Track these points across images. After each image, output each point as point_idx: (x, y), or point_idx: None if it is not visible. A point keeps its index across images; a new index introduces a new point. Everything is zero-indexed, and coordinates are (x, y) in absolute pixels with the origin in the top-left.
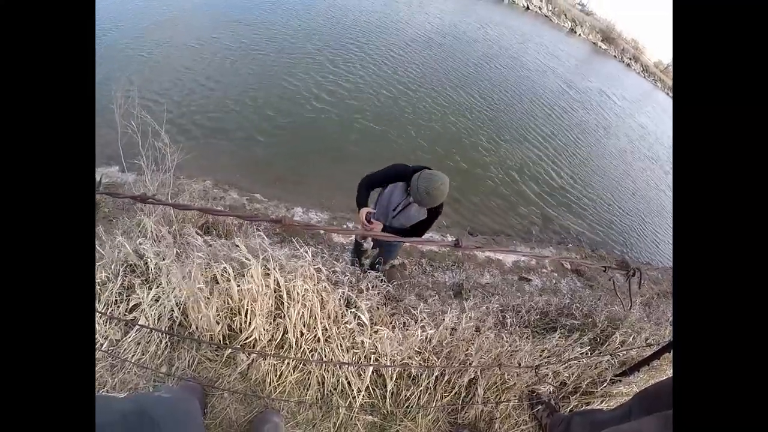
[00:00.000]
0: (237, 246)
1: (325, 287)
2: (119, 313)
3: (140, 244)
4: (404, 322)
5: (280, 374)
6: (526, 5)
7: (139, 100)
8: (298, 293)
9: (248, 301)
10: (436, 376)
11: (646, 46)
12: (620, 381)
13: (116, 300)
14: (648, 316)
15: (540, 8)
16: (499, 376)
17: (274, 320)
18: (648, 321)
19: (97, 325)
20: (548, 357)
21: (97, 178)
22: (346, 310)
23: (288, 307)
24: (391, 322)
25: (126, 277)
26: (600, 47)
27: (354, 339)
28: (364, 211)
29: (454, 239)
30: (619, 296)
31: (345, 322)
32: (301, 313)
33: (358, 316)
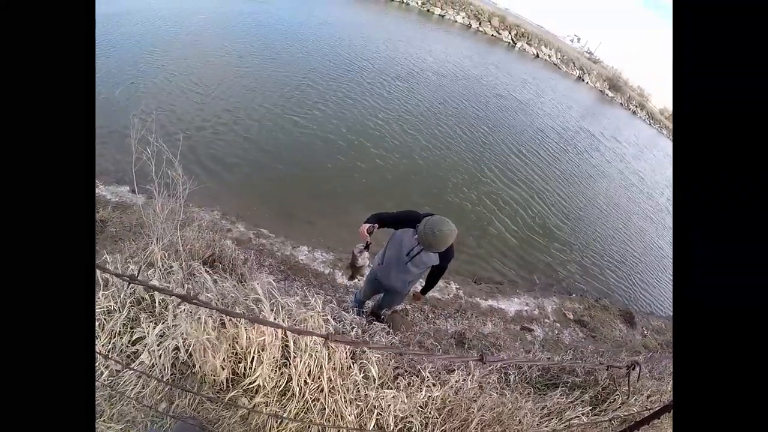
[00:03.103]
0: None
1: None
2: (122, 344)
3: (148, 275)
4: (409, 382)
5: (281, 421)
6: (535, 53)
7: (156, 128)
8: (306, 344)
9: (255, 350)
10: None
11: (651, 93)
12: None
13: (120, 331)
14: (650, 371)
15: (549, 56)
16: None
17: (279, 369)
18: (650, 378)
19: (97, 355)
20: (548, 415)
21: (107, 195)
22: (353, 362)
23: (294, 357)
24: (395, 378)
25: (132, 308)
26: (607, 95)
27: (359, 391)
28: (367, 224)
29: (478, 354)
30: (618, 390)
31: (351, 374)
32: (307, 363)
33: (365, 370)
